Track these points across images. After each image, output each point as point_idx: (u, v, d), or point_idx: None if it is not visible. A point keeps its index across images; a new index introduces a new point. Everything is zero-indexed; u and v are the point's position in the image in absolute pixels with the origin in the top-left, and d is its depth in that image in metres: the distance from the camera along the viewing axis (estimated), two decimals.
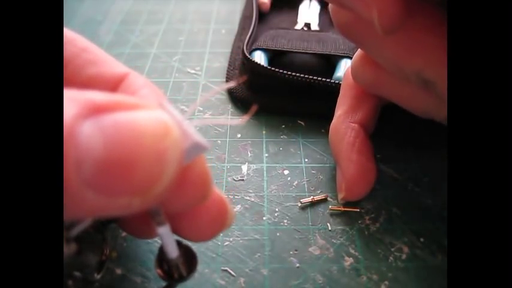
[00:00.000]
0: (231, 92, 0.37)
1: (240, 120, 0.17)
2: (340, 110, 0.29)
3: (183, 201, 0.17)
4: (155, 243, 0.26)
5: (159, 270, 0.19)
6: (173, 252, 0.18)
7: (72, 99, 0.13)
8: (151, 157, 0.13)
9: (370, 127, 0.29)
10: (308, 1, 0.48)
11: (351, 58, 0.37)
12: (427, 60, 0.21)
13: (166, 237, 0.18)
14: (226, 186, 0.29)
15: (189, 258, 0.19)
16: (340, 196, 0.28)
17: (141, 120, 0.13)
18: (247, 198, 0.29)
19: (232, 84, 0.20)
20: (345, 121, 0.28)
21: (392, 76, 0.25)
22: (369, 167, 0.27)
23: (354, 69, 0.28)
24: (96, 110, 0.13)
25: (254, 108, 0.19)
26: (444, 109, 0.23)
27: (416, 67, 0.22)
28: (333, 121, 0.29)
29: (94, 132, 0.12)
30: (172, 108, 0.15)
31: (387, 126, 0.32)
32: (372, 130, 0.30)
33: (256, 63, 0.35)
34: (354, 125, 0.28)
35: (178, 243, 0.18)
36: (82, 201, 0.13)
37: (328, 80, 0.33)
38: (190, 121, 0.16)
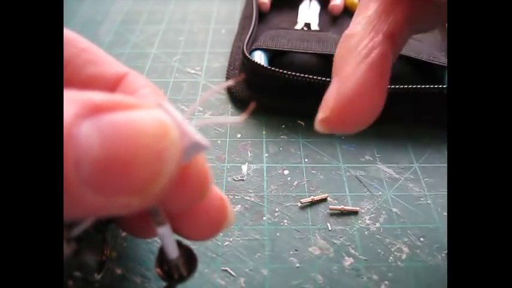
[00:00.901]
0: (231, 92, 0.37)
1: (239, 118, 0.17)
2: (361, 16, 0.21)
3: (183, 199, 0.17)
4: (155, 243, 0.26)
5: (159, 271, 0.19)
6: (173, 252, 0.18)
7: (71, 100, 0.13)
8: (150, 156, 0.13)
9: (398, 46, 0.21)
10: (308, 1, 0.48)
11: None
12: None
13: (166, 238, 0.18)
14: (226, 186, 0.29)
15: (189, 259, 0.19)
16: (322, 115, 0.19)
17: (139, 119, 0.13)
18: (247, 198, 0.29)
19: (230, 82, 0.19)
20: (369, 28, 0.20)
21: None
22: (377, 90, 0.19)
23: None
24: (95, 110, 0.13)
25: (252, 105, 0.18)
26: None
27: None
28: (349, 28, 0.21)
29: (92, 132, 0.12)
30: (171, 108, 0.15)
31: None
32: (397, 53, 0.22)
33: (256, 63, 0.35)
34: (379, 34, 0.20)
35: (179, 244, 0.18)
36: (81, 201, 0.13)
37: (328, 80, 0.33)
38: (190, 120, 0.16)
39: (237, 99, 0.37)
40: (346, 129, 0.19)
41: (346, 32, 0.21)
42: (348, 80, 0.19)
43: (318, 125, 0.19)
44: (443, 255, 0.25)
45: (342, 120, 0.19)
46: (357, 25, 0.20)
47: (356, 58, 0.19)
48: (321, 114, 0.19)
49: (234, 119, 0.18)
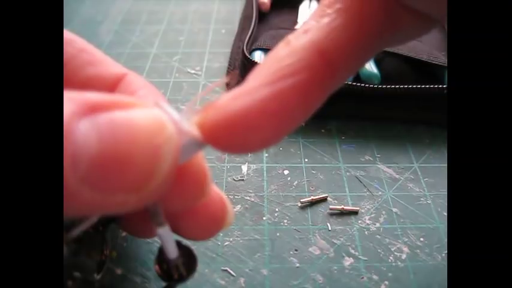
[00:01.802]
0: None
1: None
2: (312, 21, 0.17)
3: (182, 198, 0.17)
4: (155, 243, 0.26)
5: (158, 271, 0.19)
6: (173, 252, 0.18)
7: (70, 99, 0.13)
8: (146, 153, 0.13)
9: (345, 68, 0.17)
10: (308, 1, 0.47)
11: None
12: None
13: (166, 238, 0.18)
14: (226, 186, 0.29)
15: (189, 259, 0.19)
16: (199, 117, 0.16)
17: (135, 117, 0.14)
18: (247, 198, 0.29)
19: (226, 79, 0.19)
20: (311, 43, 0.16)
21: None
22: (273, 125, 0.15)
23: None
24: (92, 109, 0.13)
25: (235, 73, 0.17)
26: None
27: None
28: (292, 33, 0.17)
29: (90, 130, 0.13)
30: (169, 107, 0.15)
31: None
32: (345, 78, 0.17)
33: (256, 63, 0.35)
34: (312, 55, 0.16)
35: (178, 244, 0.18)
36: (78, 198, 0.13)
37: None
38: (188, 117, 0.15)
39: None
40: (216, 144, 0.16)
41: (289, 36, 0.17)
42: (250, 93, 0.15)
43: (196, 123, 0.16)
44: (443, 255, 0.25)
45: (215, 133, 0.16)
46: (302, 33, 0.17)
47: (274, 73, 0.16)
48: (199, 115, 0.16)
49: (219, 82, 0.18)
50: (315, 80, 0.16)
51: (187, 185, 0.16)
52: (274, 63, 0.16)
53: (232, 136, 0.15)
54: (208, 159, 0.31)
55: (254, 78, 0.16)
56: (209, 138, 0.16)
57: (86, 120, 0.13)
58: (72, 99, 0.13)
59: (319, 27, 0.16)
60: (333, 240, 0.26)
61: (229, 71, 0.40)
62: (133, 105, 0.14)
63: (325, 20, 0.16)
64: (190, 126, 0.15)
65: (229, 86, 0.37)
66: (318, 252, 0.25)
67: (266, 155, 0.32)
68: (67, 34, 0.20)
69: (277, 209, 0.28)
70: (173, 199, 0.17)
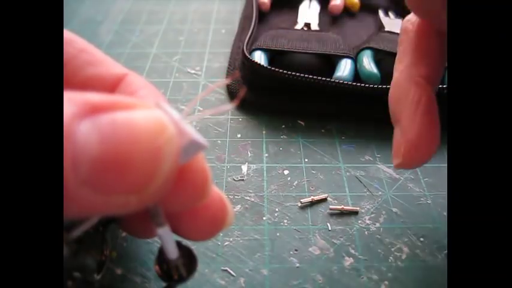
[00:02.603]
0: (231, 92, 0.37)
1: (229, 105, 0.17)
2: (402, 65, 0.25)
3: (183, 200, 0.17)
4: (155, 243, 0.26)
5: (159, 271, 0.19)
6: (173, 253, 0.18)
7: (70, 100, 0.13)
8: (146, 154, 0.13)
9: (436, 83, 0.25)
10: (308, 1, 0.48)
11: (350, 58, 0.37)
12: None
13: (166, 239, 0.18)
14: (226, 186, 0.29)
15: (189, 259, 0.19)
16: (397, 161, 0.24)
17: (136, 119, 0.14)
18: (247, 198, 0.29)
19: (227, 81, 0.19)
20: (410, 75, 0.24)
21: None
22: (432, 131, 0.23)
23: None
24: (93, 110, 0.13)
25: (243, 91, 0.18)
26: None
27: None
28: (394, 76, 0.25)
29: (91, 131, 0.13)
30: (169, 108, 0.15)
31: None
32: (437, 87, 0.25)
33: (256, 63, 0.35)
34: (419, 79, 0.24)
35: (178, 244, 0.18)
36: (79, 200, 0.13)
37: (328, 79, 0.33)
38: (188, 119, 0.16)
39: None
40: (414, 167, 0.26)
41: (393, 81, 0.25)
42: (410, 128, 0.23)
43: (395, 167, 0.24)
44: (443, 255, 0.25)
45: (411, 161, 0.24)
46: (401, 74, 0.24)
47: (409, 105, 0.23)
48: (396, 160, 0.24)
49: (225, 107, 0.18)
50: (432, 96, 0.23)
51: (188, 186, 0.16)
52: (401, 99, 0.24)
53: (420, 156, 0.23)
54: (208, 159, 0.31)
55: (400, 116, 0.24)
56: (410, 165, 0.24)
57: (86, 121, 0.13)
58: (72, 100, 0.13)
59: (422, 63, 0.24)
60: (333, 240, 0.26)
61: (229, 71, 0.40)
62: (134, 106, 0.14)
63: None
64: (191, 127, 0.15)
65: (231, 90, 0.37)
66: (318, 252, 0.25)
67: (266, 155, 0.32)
68: (67, 34, 0.20)
69: (277, 209, 0.28)
70: (173, 200, 0.17)
